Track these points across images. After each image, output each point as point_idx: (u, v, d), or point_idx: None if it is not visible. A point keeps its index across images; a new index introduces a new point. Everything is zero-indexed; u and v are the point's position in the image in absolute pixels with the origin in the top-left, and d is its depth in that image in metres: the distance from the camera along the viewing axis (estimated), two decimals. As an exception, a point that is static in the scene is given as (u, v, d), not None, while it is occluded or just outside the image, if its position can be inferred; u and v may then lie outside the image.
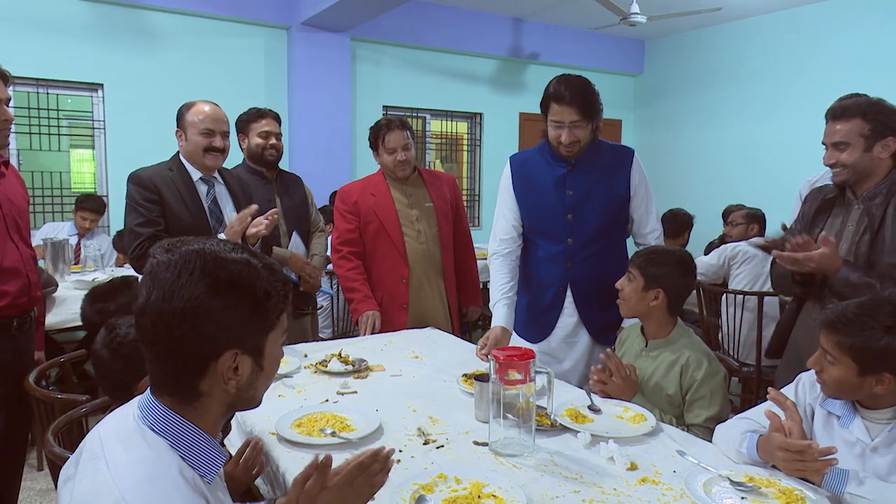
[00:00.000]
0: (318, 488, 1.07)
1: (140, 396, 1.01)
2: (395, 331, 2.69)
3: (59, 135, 5.28)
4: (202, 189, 2.40)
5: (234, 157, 3.04)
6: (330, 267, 3.40)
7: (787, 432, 1.37)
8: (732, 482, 1.35)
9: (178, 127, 2.40)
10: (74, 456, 1.03)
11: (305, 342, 2.65)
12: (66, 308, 3.50)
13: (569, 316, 2.40)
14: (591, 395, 1.86)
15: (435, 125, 7.13)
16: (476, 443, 1.60)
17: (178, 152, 2.42)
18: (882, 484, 1.27)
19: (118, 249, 4.74)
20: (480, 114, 7.26)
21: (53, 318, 3.41)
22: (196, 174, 2.39)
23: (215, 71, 5.57)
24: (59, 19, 4.98)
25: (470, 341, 2.65)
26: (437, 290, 2.81)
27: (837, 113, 1.89)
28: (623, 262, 2.44)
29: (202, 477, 0.96)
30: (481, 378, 1.76)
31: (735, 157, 6.98)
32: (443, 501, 1.28)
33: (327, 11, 5.31)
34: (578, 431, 1.62)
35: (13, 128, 2.55)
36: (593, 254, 2.36)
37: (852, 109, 1.86)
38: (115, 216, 5.32)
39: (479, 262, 3.17)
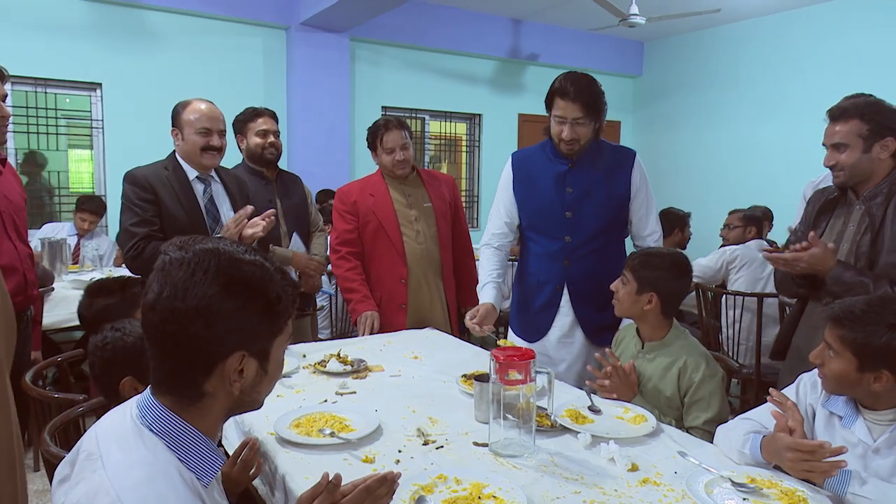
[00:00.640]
0: None
1: (139, 395, 1.00)
2: (393, 331, 2.68)
3: (56, 134, 5.26)
4: (198, 188, 2.39)
5: (234, 158, 3.03)
6: (329, 267, 3.39)
7: (789, 432, 1.36)
8: (734, 483, 1.35)
9: (173, 126, 2.39)
10: (70, 455, 1.02)
11: (304, 342, 2.64)
12: (63, 307, 3.48)
13: (564, 315, 2.40)
14: (592, 395, 1.85)
15: (434, 126, 7.12)
16: (476, 443, 1.59)
17: (174, 151, 2.40)
18: (884, 484, 1.27)
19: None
20: (479, 115, 7.25)
21: (51, 318, 3.39)
22: (192, 173, 2.37)
23: (214, 71, 5.56)
24: (57, 19, 4.97)
25: (469, 342, 2.64)
26: (435, 290, 2.80)
27: (836, 114, 1.88)
28: (621, 262, 2.44)
29: (199, 479, 0.95)
30: (481, 378, 1.75)
31: (734, 158, 6.98)
32: (443, 502, 1.27)
33: (326, 12, 5.30)
34: (579, 432, 1.61)
35: (11, 126, 2.53)
36: (591, 252, 2.36)
37: (850, 111, 1.86)
38: (114, 216, 5.29)
39: (478, 262, 3.16)
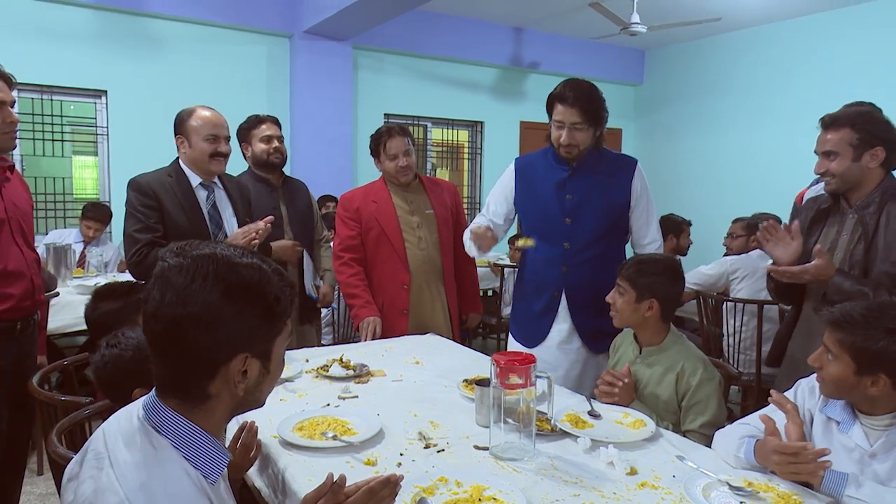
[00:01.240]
0: None
1: (145, 396, 1.02)
2: (395, 336, 2.70)
3: (62, 141, 5.31)
4: (202, 195, 2.41)
5: (239, 166, 3.06)
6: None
7: (787, 435, 1.38)
8: (731, 487, 1.36)
9: (177, 133, 2.41)
10: (79, 455, 1.04)
11: (307, 348, 2.66)
12: (67, 312, 3.51)
13: (562, 321, 2.42)
14: (591, 400, 1.87)
15: (436, 133, 7.16)
16: (476, 447, 1.61)
17: (178, 158, 2.43)
18: (881, 487, 1.28)
19: None
20: (481, 122, 7.30)
21: (54, 323, 3.42)
22: (196, 180, 2.40)
23: (218, 78, 5.60)
24: (63, 26, 5.02)
25: (470, 348, 2.66)
26: (437, 296, 2.83)
27: (827, 122, 1.91)
28: None
29: (206, 478, 0.97)
30: (482, 383, 1.77)
31: (735, 166, 7.00)
32: (444, 503, 1.29)
33: (329, 20, 5.35)
34: (578, 436, 1.62)
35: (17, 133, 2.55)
36: (590, 259, 2.38)
37: (841, 119, 1.88)
38: (118, 222, 5.32)
39: (479, 269, 3.19)
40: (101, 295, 2.04)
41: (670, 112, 7.75)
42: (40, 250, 3.40)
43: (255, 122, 2.91)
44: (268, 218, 2.37)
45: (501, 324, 5.09)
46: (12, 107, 2.07)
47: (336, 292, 3.35)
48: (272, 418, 1.69)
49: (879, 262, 1.84)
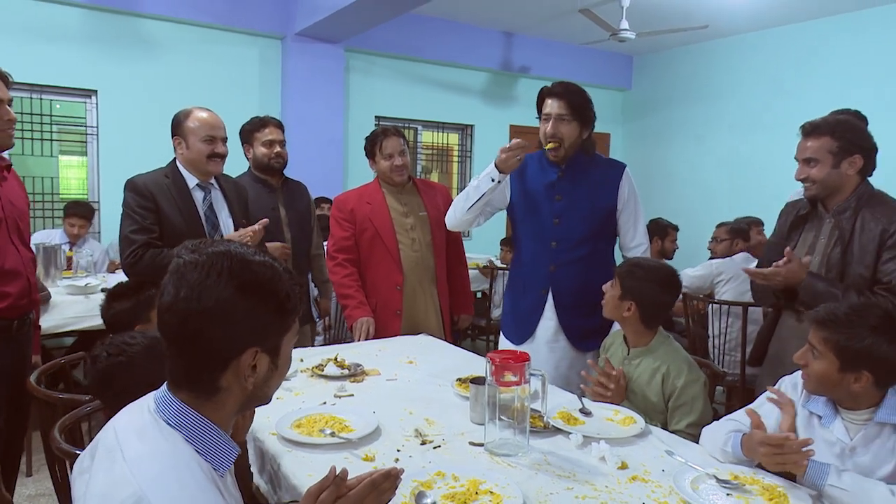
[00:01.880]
0: (331, 500, 1.11)
1: (155, 392, 1.05)
2: (388, 337, 2.73)
3: (51, 140, 5.29)
4: (198, 195, 2.43)
5: (240, 166, 3.08)
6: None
7: (781, 427, 1.43)
8: (718, 480, 1.41)
9: (175, 135, 2.43)
10: (89, 448, 1.07)
11: (303, 348, 2.69)
12: (56, 313, 3.49)
13: (548, 319, 2.47)
14: (582, 398, 1.92)
15: (426, 136, 7.20)
16: (472, 443, 1.65)
17: (175, 159, 2.45)
18: (860, 477, 1.34)
19: None
20: (471, 125, 7.35)
21: (44, 323, 3.40)
22: (192, 181, 2.42)
23: (209, 79, 5.61)
24: (54, 26, 5.01)
25: (461, 347, 2.69)
26: (430, 297, 2.87)
27: (808, 130, 1.98)
28: (607, 271, 2.51)
29: (216, 470, 1.00)
30: (477, 381, 1.81)
31: (722, 171, 7.10)
32: (442, 497, 1.32)
33: (322, 22, 5.37)
34: (571, 433, 1.67)
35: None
36: (577, 260, 2.43)
37: (822, 127, 1.95)
38: (107, 223, 5.32)
39: (470, 271, 3.23)
40: (114, 295, 2.08)
41: (658, 117, 7.85)
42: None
43: (258, 124, 2.93)
44: (262, 221, 2.39)
45: (491, 325, 5.13)
46: (10, 105, 2.08)
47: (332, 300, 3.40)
48: (270, 416, 1.71)
49: (855, 264, 1.91)
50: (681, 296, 3.22)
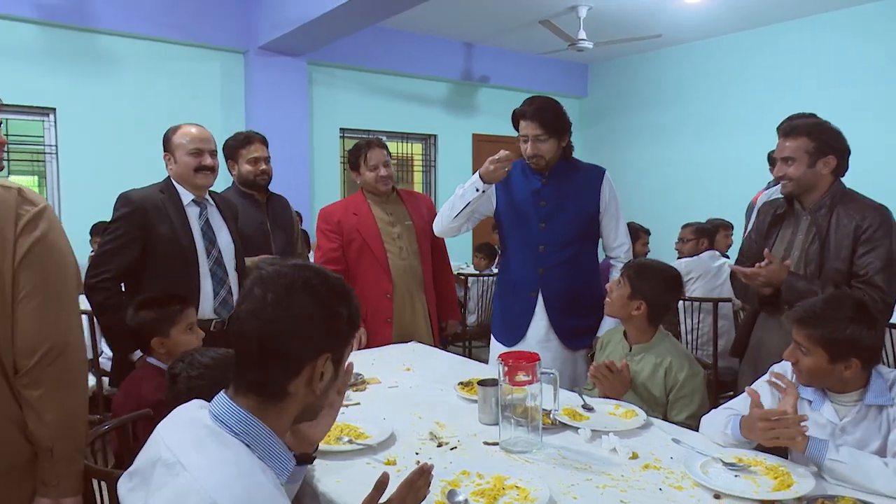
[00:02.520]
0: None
1: (213, 402, 1.07)
2: (379, 345, 2.76)
3: (9, 160, 5.12)
4: (194, 211, 2.42)
5: (223, 181, 3.06)
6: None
7: (783, 407, 1.53)
8: (725, 463, 1.51)
9: (165, 151, 2.43)
10: (136, 466, 1.08)
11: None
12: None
13: (539, 320, 2.55)
14: (583, 395, 2.00)
15: (390, 146, 7.21)
16: (486, 443, 1.70)
17: (169, 176, 2.44)
18: (856, 451, 1.45)
19: None
20: (434, 135, 7.43)
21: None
22: (187, 197, 2.41)
23: (171, 95, 5.53)
24: (10, 43, 4.87)
25: (451, 353, 2.75)
26: (419, 304, 2.92)
27: (787, 131, 2.11)
28: (593, 272, 2.63)
29: (278, 476, 1.03)
30: (484, 383, 1.87)
31: (678, 174, 7.36)
32: (472, 495, 1.37)
33: (285, 37, 5.37)
34: (579, 428, 1.74)
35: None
36: (564, 262, 2.53)
37: (800, 129, 2.09)
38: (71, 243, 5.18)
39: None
40: (142, 303, 2.09)
41: (614, 123, 8.08)
42: None
43: (243, 141, 2.92)
44: None
45: (466, 332, 5.20)
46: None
47: None
48: (285, 427, 1.74)
49: (831, 259, 2.04)
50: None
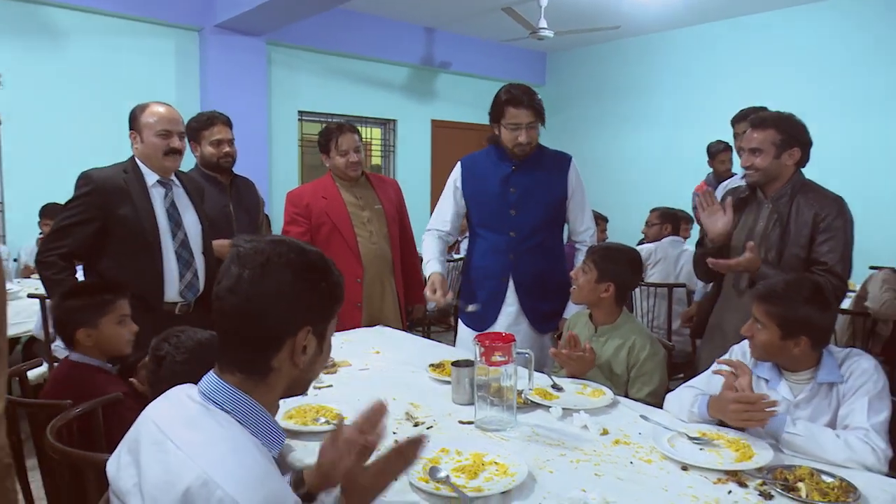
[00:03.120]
0: (360, 470, 1.14)
1: (202, 381, 1.07)
2: (348, 329, 2.77)
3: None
4: (159, 192, 2.36)
5: (186, 161, 2.99)
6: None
7: (740, 387, 1.61)
8: (689, 437, 1.59)
9: (131, 129, 2.36)
10: (121, 448, 1.07)
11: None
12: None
13: (510, 305, 2.61)
14: (552, 376, 2.06)
15: (350, 131, 7.16)
16: (461, 422, 1.74)
17: (133, 155, 2.38)
18: (810, 424, 1.56)
19: None
20: (394, 120, 7.39)
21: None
22: (152, 177, 2.35)
23: (122, 71, 5.35)
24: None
25: (419, 336, 2.78)
26: (389, 288, 2.93)
27: (756, 123, 2.20)
28: (560, 256, 2.70)
29: (270, 451, 1.04)
30: (459, 364, 1.90)
31: (634, 164, 7.53)
32: (452, 471, 1.41)
33: (243, 15, 5.25)
34: (550, 406, 1.80)
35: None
36: (534, 247, 2.59)
37: (768, 121, 2.18)
38: (13, 224, 4.98)
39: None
40: (69, 292, 2.00)
41: (571, 112, 8.19)
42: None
43: (205, 122, 2.85)
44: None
45: (426, 317, 5.24)
46: None
47: None
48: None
49: (791, 245, 2.15)
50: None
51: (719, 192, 2.64)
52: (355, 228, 2.84)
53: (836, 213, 2.11)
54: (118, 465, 1.06)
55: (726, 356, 1.86)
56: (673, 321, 3.79)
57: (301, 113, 6.59)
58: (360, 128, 7.21)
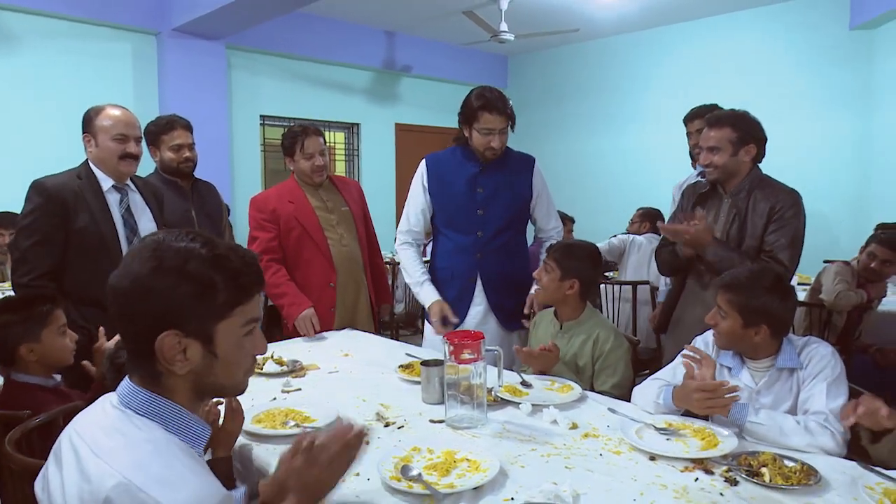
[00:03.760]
0: (306, 465, 1.13)
1: (119, 387, 1.05)
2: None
3: None
4: (115, 197, 2.30)
5: (145, 166, 2.92)
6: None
7: (702, 377, 1.65)
8: (657, 428, 1.62)
9: (85, 132, 2.28)
10: (49, 460, 1.04)
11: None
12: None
13: (478, 304, 2.62)
14: (521, 373, 2.07)
15: (313, 135, 7.10)
16: (432, 420, 1.74)
17: (87, 160, 2.31)
18: (772, 412, 1.60)
19: None
20: (357, 124, 7.36)
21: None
22: (107, 182, 2.28)
23: (77, 75, 5.20)
24: None
25: (388, 337, 2.77)
26: (362, 290, 2.91)
27: (712, 122, 2.26)
28: (525, 254, 2.72)
29: (194, 448, 1.03)
30: (427, 364, 1.90)
31: (595, 165, 7.62)
32: (424, 468, 1.41)
33: (201, 19, 5.16)
34: (520, 403, 1.81)
35: None
36: (500, 246, 2.61)
37: (724, 120, 2.24)
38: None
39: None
40: (2, 308, 1.86)
41: (533, 115, 8.26)
42: None
43: (164, 126, 2.78)
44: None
45: (394, 319, 5.23)
46: None
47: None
48: (227, 414, 1.71)
49: (748, 238, 2.22)
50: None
51: (676, 191, 2.70)
52: (325, 232, 2.81)
53: (790, 204, 2.18)
54: (43, 479, 1.04)
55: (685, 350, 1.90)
56: (638, 319, 3.86)
57: (263, 117, 6.52)
58: (324, 132, 7.24)
